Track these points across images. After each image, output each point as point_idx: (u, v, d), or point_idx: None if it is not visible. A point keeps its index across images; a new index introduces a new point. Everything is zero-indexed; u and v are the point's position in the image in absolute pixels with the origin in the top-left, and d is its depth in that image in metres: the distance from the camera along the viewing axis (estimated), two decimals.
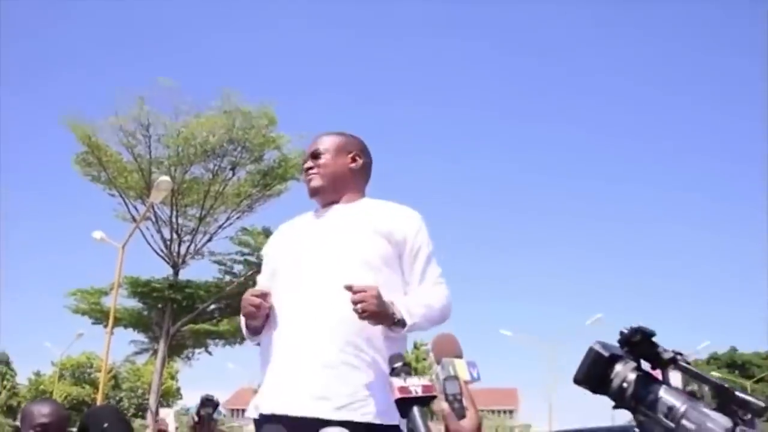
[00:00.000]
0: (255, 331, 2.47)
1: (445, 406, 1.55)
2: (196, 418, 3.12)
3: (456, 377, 1.60)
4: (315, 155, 2.58)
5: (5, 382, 47.53)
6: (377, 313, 2.16)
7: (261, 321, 2.41)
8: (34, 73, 76.75)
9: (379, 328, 2.25)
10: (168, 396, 53.01)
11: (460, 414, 1.53)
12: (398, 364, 1.71)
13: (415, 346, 35.70)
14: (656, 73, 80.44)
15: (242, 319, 2.47)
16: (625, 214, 79.34)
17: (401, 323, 2.25)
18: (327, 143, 2.60)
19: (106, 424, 2.89)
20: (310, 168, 2.57)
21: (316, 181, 2.55)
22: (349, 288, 2.16)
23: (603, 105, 79.92)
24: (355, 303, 2.14)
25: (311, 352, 2.25)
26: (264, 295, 2.34)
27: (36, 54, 78.91)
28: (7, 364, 49.35)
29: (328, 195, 2.57)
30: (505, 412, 59.77)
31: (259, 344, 2.49)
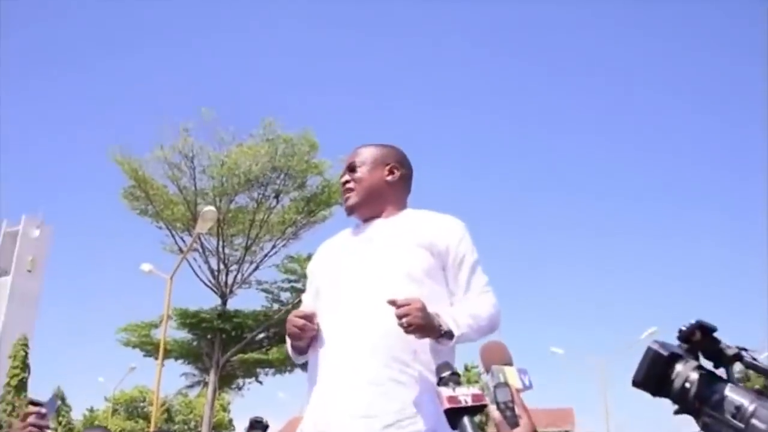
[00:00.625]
0: (301, 351, 2.43)
1: (496, 414, 1.49)
2: None
3: (506, 384, 1.53)
4: (351, 168, 2.53)
5: (60, 418, 48.16)
6: (423, 326, 2.09)
7: (306, 342, 2.36)
8: (78, 106, 78.78)
9: (426, 341, 2.19)
10: (220, 428, 53.30)
11: (513, 422, 1.47)
12: (446, 374, 1.65)
13: (466, 368, 35.23)
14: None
15: (288, 341, 2.43)
16: (679, 228, 77.76)
17: (448, 335, 2.18)
18: (363, 156, 2.55)
19: None
20: (347, 182, 2.53)
21: (352, 199, 2.50)
22: (392, 303, 2.10)
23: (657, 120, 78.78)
24: (399, 317, 2.08)
25: (355, 370, 2.20)
26: (308, 317, 2.30)
27: (78, 88, 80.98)
28: (62, 399, 50.07)
29: (365, 211, 2.51)
30: None
31: (305, 364, 2.45)
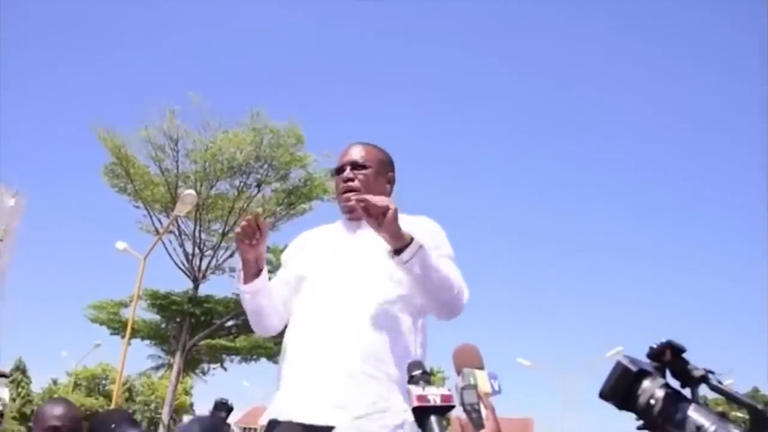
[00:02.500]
0: (250, 276, 2.45)
1: (463, 416, 1.50)
2: None
3: (474, 387, 1.55)
4: (355, 166, 2.49)
5: (20, 389, 47.68)
6: (391, 214, 2.08)
7: (253, 255, 2.41)
8: (65, 78, 77.76)
9: (403, 343, 2.22)
10: (181, 411, 53.03)
11: (479, 424, 1.49)
12: (417, 372, 1.66)
13: (432, 372, 35.35)
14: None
15: (239, 268, 2.47)
16: (656, 247, 78.30)
17: (407, 245, 2.14)
18: (369, 156, 2.52)
19: (113, 425, 2.85)
20: (350, 179, 2.47)
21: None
22: (364, 199, 2.11)
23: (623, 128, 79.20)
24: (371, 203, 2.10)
25: (334, 361, 2.21)
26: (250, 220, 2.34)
27: (65, 59, 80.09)
28: (23, 371, 49.58)
29: None
30: None
31: (249, 296, 2.47)
